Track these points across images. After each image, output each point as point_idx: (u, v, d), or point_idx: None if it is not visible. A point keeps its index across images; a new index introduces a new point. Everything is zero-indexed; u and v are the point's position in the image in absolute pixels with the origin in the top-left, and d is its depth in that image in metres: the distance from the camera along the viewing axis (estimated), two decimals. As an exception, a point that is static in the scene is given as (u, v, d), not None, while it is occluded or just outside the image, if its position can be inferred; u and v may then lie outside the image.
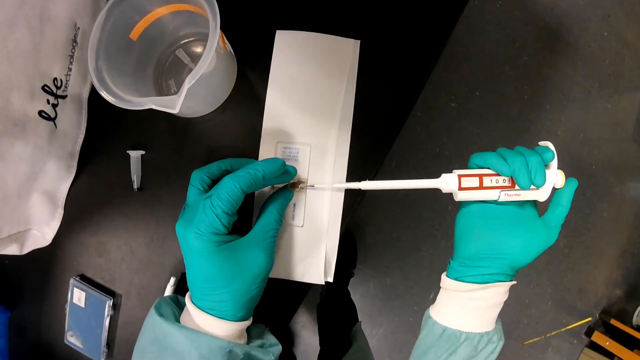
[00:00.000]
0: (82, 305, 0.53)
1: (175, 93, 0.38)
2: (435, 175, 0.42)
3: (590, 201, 1.62)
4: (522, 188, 0.39)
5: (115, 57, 0.43)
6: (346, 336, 1.01)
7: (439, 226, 1.53)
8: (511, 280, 0.42)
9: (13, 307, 0.56)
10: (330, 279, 0.49)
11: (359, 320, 1.16)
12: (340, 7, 0.52)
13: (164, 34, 0.49)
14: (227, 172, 0.42)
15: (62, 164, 0.51)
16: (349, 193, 0.50)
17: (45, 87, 0.45)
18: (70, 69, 0.48)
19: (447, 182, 0.41)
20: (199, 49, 0.52)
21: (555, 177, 0.40)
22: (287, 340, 1.44)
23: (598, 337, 1.57)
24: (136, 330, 0.41)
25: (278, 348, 0.43)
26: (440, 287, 0.46)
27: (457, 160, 1.51)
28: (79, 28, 0.48)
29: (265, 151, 0.50)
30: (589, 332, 1.63)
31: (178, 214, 0.40)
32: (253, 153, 0.50)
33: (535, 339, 1.61)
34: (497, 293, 0.42)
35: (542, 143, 0.42)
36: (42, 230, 0.52)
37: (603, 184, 1.63)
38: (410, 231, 1.52)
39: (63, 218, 0.53)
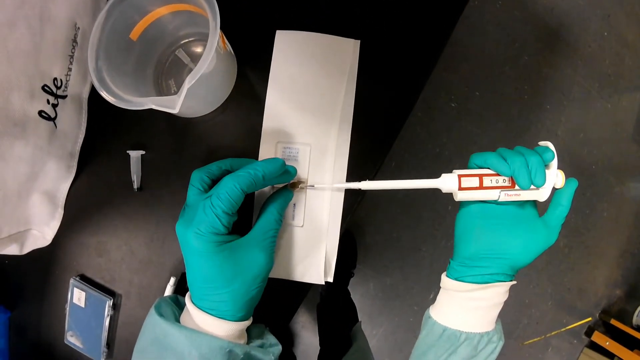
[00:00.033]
0: (82, 305, 0.53)
1: (175, 93, 0.38)
2: (435, 175, 0.42)
3: (590, 201, 1.62)
4: (522, 188, 0.39)
5: (115, 57, 0.43)
6: (346, 336, 1.01)
7: (439, 226, 1.53)
8: (511, 281, 0.42)
9: (13, 307, 0.56)
10: (330, 279, 0.49)
11: (359, 320, 1.16)
12: (340, 7, 0.52)
13: (164, 34, 0.49)
14: (227, 172, 0.42)
15: (62, 164, 0.51)
16: (349, 193, 0.50)
17: (45, 87, 0.45)
18: (70, 69, 0.48)
19: (447, 182, 0.41)
20: (199, 49, 0.52)
21: (555, 177, 0.40)
22: (287, 340, 1.44)
23: (598, 337, 1.57)
24: (136, 330, 0.41)
25: (278, 348, 0.43)
26: (440, 287, 0.46)
27: (457, 160, 1.51)
28: (79, 28, 0.48)
29: (265, 151, 0.50)
30: (589, 332, 1.63)
31: (178, 214, 0.40)
32: (253, 153, 0.50)
33: (535, 339, 1.61)
34: (497, 293, 0.42)
35: (542, 143, 0.42)
36: (42, 230, 0.52)
37: (603, 184, 1.63)
38: (410, 231, 1.52)
39: (63, 218, 0.53)
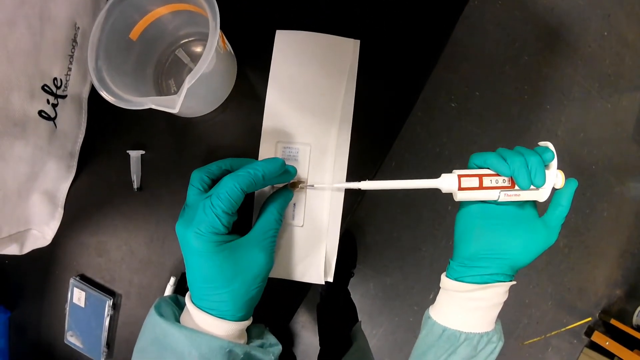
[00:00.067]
0: (82, 305, 0.53)
1: (175, 93, 0.38)
2: (435, 175, 0.42)
3: (590, 201, 1.62)
4: (522, 188, 0.39)
5: (115, 56, 0.43)
6: (346, 336, 1.01)
7: (439, 226, 1.53)
8: (511, 281, 0.42)
9: (13, 307, 0.56)
10: (330, 279, 0.49)
11: (359, 320, 1.16)
12: (340, 7, 0.52)
13: (164, 34, 0.49)
14: (227, 172, 0.42)
15: (62, 164, 0.51)
16: (349, 193, 0.50)
17: (45, 87, 0.45)
18: (70, 69, 0.48)
19: (447, 182, 0.41)
20: (198, 49, 0.52)
21: (555, 177, 0.40)
22: (287, 340, 1.44)
23: (598, 337, 1.57)
24: (136, 330, 0.41)
25: (278, 348, 0.43)
26: (439, 287, 0.46)
27: (457, 160, 1.51)
28: (78, 28, 0.48)
29: (265, 151, 0.50)
30: (589, 332, 1.63)
31: (178, 213, 0.40)
32: (253, 153, 0.50)
33: (535, 339, 1.61)
34: (497, 293, 0.42)
35: (542, 143, 0.42)
36: (42, 230, 0.52)
37: (603, 184, 1.63)
38: (410, 231, 1.52)
39: (63, 218, 0.53)
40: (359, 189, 0.45)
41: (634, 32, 1.61)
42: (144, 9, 0.44)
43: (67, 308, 0.54)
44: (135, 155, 0.52)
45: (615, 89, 1.61)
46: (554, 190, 0.42)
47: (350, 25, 0.51)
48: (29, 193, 0.48)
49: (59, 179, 0.52)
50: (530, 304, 1.60)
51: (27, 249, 0.51)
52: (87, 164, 0.54)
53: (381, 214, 1.52)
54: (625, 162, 1.64)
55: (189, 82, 0.37)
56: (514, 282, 0.42)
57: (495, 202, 0.42)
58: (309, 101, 0.50)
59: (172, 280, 0.51)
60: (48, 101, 0.46)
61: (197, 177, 0.41)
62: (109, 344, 0.54)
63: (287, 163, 0.44)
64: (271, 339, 0.44)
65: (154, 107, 0.38)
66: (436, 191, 0.43)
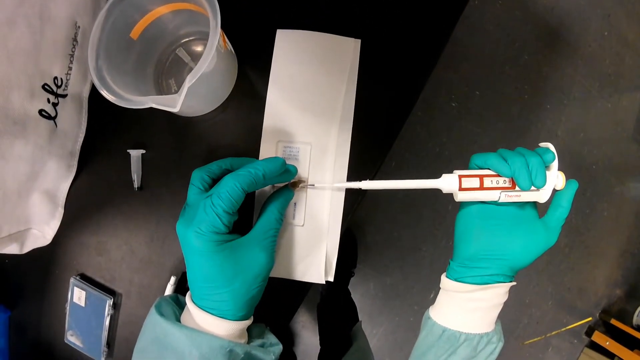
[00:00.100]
0: (82, 304, 0.53)
1: (176, 92, 0.38)
2: (436, 175, 0.42)
3: (591, 201, 1.62)
4: (523, 189, 0.39)
5: (116, 56, 0.43)
6: (346, 336, 1.01)
7: (439, 226, 1.53)
8: (511, 281, 0.42)
9: (13, 307, 0.56)
10: (331, 279, 0.49)
11: (359, 319, 1.16)
12: (340, 7, 0.52)
13: (165, 33, 0.49)
14: (228, 171, 0.42)
15: (63, 163, 0.51)
16: (349, 192, 0.49)
17: (46, 86, 0.45)
18: (70, 68, 0.48)
19: (447, 183, 0.41)
20: (199, 48, 0.52)
21: (555, 178, 0.40)
22: (288, 339, 1.44)
23: (598, 337, 1.57)
24: (136, 329, 0.41)
25: (279, 347, 0.43)
26: (440, 288, 0.46)
27: (457, 160, 1.51)
28: (79, 27, 0.48)
29: (266, 150, 0.50)
30: (589, 332, 1.63)
31: (178, 213, 0.40)
32: (254, 152, 0.50)
33: (535, 339, 1.61)
34: (497, 294, 0.42)
35: (542, 144, 0.42)
36: (42, 230, 0.52)
37: (603, 184, 1.63)
38: (410, 231, 1.52)
39: (63, 217, 0.53)
40: (360, 189, 0.45)
41: (634, 31, 1.61)
42: (145, 8, 0.44)
43: (68, 307, 0.54)
44: (135, 154, 0.52)
45: (616, 89, 1.61)
46: (554, 191, 0.42)
47: (350, 25, 0.51)
48: (29, 192, 0.48)
49: (59, 178, 0.52)
50: (531, 303, 1.60)
51: (27, 249, 0.51)
52: (87, 163, 0.54)
53: (381, 214, 1.52)
54: (626, 162, 1.64)
55: (189, 81, 0.37)
56: (514, 283, 0.42)
57: (495, 203, 0.42)
58: (310, 100, 0.50)
59: (173, 279, 0.51)
60: (48, 100, 0.46)
61: (198, 177, 0.41)
62: (109, 344, 0.54)
63: (287, 162, 0.44)
64: (272, 338, 0.44)
65: (154, 106, 0.38)
66: (436, 191, 0.43)
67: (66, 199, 0.53)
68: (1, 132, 0.40)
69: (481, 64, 1.53)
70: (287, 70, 0.51)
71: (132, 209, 0.53)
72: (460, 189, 0.41)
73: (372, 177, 0.49)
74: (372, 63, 0.51)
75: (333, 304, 1.31)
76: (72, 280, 0.53)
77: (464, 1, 0.51)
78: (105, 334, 0.53)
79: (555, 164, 0.40)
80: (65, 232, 0.54)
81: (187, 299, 0.39)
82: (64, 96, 0.48)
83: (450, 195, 0.42)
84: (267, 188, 0.49)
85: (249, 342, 0.41)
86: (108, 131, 0.54)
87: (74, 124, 0.51)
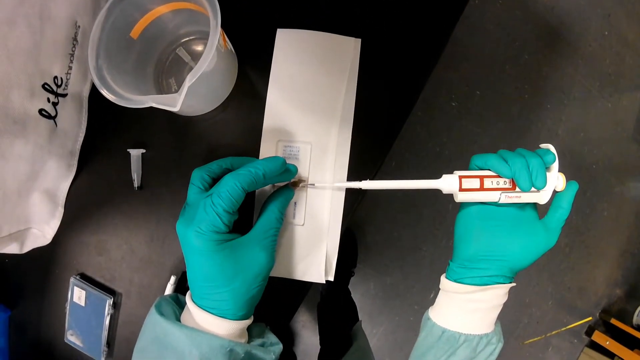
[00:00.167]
0: (82, 304, 0.53)
1: (176, 91, 0.38)
2: (436, 175, 0.42)
3: (591, 201, 1.62)
4: (523, 190, 0.39)
5: (116, 55, 0.43)
6: (346, 335, 1.01)
7: (439, 225, 1.53)
8: (510, 282, 0.42)
9: (13, 306, 0.56)
10: (331, 278, 0.49)
11: (359, 319, 1.16)
12: (340, 7, 0.52)
13: (165, 33, 0.49)
14: (228, 170, 0.42)
15: (63, 163, 0.51)
16: (349, 192, 0.49)
17: (46, 86, 0.45)
18: (70, 67, 0.48)
19: (447, 183, 0.41)
20: (199, 48, 0.52)
21: (556, 179, 0.40)
22: (288, 339, 1.44)
23: (598, 337, 1.57)
24: (136, 329, 0.41)
25: (279, 347, 0.43)
26: (439, 288, 0.46)
27: (457, 160, 1.51)
28: (79, 26, 0.48)
29: (266, 150, 0.50)
30: (589, 332, 1.63)
31: (178, 212, 0.40)
32: (254, 151, 0.50)
33: (535, 339, 1.61)
34: (497, 295, 0.42)
35: (543, 145, 0.42)
36: (42, 229, 0.52)
37: (603, 184, 1.63)
38: (410, 230, 1.52)
39: (63, 217, 0.53)
40: (360, 189, 0.45)
41: (635, 31, 1.61)
42: (145, 7, 0.44)
43: (68, 307, 0.54)
44: (135, 154, 0.52)
45: (616, 89, 1.61)
46: (554, 192, 0.42)
47: (350, 25, 0.51)
48: (29, 192, 0.48)
49: (59, 177, 0.52)
50: (531, 303, 1.60)
51: (27, 248, 0.50)
52: (87, 162, 0.54)
53: (382, 214, 1.52)
54: (626, 162, 1.64)
55: (189, 80, 0.37)
56: (514, 284, 0.42)
57: (495, 204, 0.42)
58: (310, 100, 0.50)
59: (173, 279, 0.51)
60: (48, 100, 0.46)
61: (198, 176, 0.41)
62: (109, 343, 0.54)
63: (288, 162, 0.44)
64: (272, 338, 0.44)
65: (154, 105, 0.38)
66: (437, 191, 0.43)
67: (66, 198, 0.53)
68: (1, 132, 0.40)
69: (481, 63, 1.53)
70: (287, 69, 0.51)
71: (132, 209, 0.53)
72: (461, 189, 0.41)
73: (373, 177, 0.49)
74: (372, 63, 0.51)
75: (333, 304, 1.31)
76: (72, 279, 0.53)
77: (464, 1, 0.51)
78: (105, 333, 0.53)
79: (555, 165, 0.40)
80: (65, 232, 0.53)
81: (187, 298, 0.39)
82: (64, 95, 0.48)
83: (450, 195, 0.42)
84: (268, 187, 0.49)
85: (249, 341, 0.41)
86: (108, 130, 0.54)
87: (74, 123, 0.51)
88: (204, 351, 0.35)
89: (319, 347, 1.20)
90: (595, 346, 1.61)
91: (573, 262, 1.62)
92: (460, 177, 0.41)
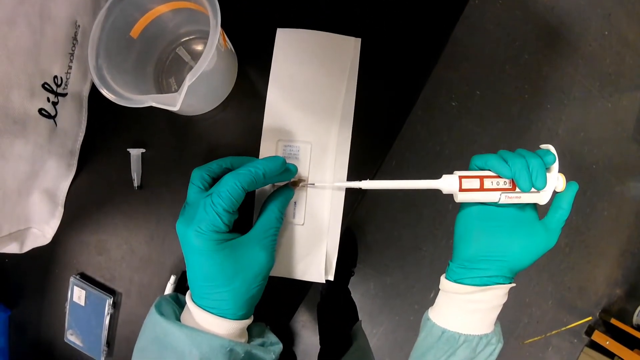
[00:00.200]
0: (82, 303, 0.53)
1: (176, 91, 0.38)
2: (436, 174, 0.42)
3: (591, 200, 1.62)
4: (523, 190, 0.39)
5: (116, 55, 0.43)
6: (346, 335, 1.01)
7: (439, 225, 1.53)
8: (510, 283, 0.42)
9: (13, 306, 0.56)
10: (331, 278, 0.49)
11: (359, 319, 1.16)
12: (340, 7, 0.52)
13: (165, 32, 0.49)
14: (228, 170, 0.42)
15: (62, 162, 0.51)
16: (349, 192, 0.49)
17: (46, 85, 0.45)
18: (70, 67, 0.48)
19: (447, 183, 0.41)
20: (199, 47, 0.52)
21: (556, 180, 0.40)
22: (288, 339, 1.44)
23: (598, 337, 1.57)
24: (136, 328, 0.41)
25: (279, 347, 0.43)
26: (439, 289, 0.46)
27: (457, 159, 1.51)
28: (79, 26, 0.48)
29: (266, 149, 0.50)
30: (589, 332, 1.63)
31: (178, 212, 0.40)
32: (254, 151, 0.50)
33: (535, 338, 1.61)
34: (496, 295, 0.42)
35: (543, 146, 0.42)
36: (42, 229, 0.52)
37: (603, 184, 1.63)
38: (410, 230, 1.52)
39: (63, 216, 0.53)
40: (360, 188, 0.45)
41: (635, 31, 1.61)
42: (145, 7, 0.44)
43: (67, 306, 0.54)
44: (135, 153, 0.52)
45: (616, 88, 1.61)
46: (554, 193, 0.42)
47: (350, 25, 0.51)
48: (29, 191, 0.48)
49: (59, 177, 0.51)
50: (531, 303, 1.60)
51: (27, 248, 0.50)
52: (87, 162, 0.54)
53: (382, 213, 1.52)
54: (626, 162, 1.64)
55: (189, 80, 0.37)
56: (514, 285, 0.42)
57: (495, 204, 0.42)
58: (310, 99, 0.50)
59: (173, 278, 0.51)
60: (48, 99, 0.46)
61: (198, 176, 0.41)
62: (109, 343, 0.54)
63: (287, 161, 0.44)
64: (272, 337, 0.43)
65: (154, 105, 0.38)
66: (437, 191, 0.43)
67: (66, 198, 0.53)
68: (1, 131, 0.40)
69: (481, 63, 1.53)
70: (287, 69, 0.51)
71: (132, 208, 0.53)
72: (461, 189, 0.41)
73: (373, 176, 0.49)
74: (372, 62, 0.51)
75: (333, 303, 1.31)
76: (72, 279, 0.53)
77: (464, 1, 0.51)
78: (105, 333, 0.53)
79: (555, 166, 0.40)
80: (65, 231, 0.53)
81: (187, 298, 0.39)
82: (64, 95, 0.48)
83: (450, 195, 0.42)
84: (268, 187, 0.49)
85: (249, 341, 0.41)
86: (108, 130, 0.54)
87: (73, 122, 0.51)
88: (204, 351, 0.35)
89: (319, 346, 1.20)
90: (595, 346, 1.61)
91: (573, 262, 1.62)
92: (460, 178, 0.41)
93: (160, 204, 0.52)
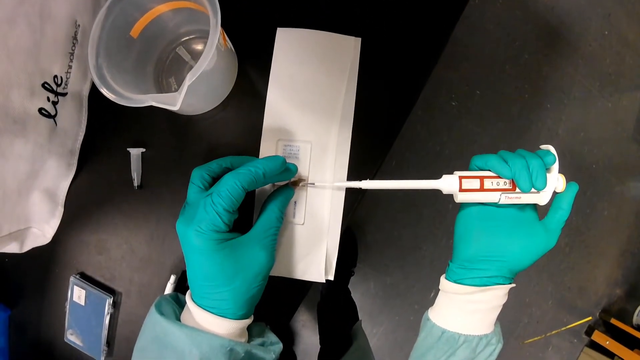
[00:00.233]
0: (82, 303, 0.53)
1: (176, 90, 0.38)
2: (436, 174, 0.42)
3: (591, 200, 1.62)
4: (523, 191, 0.39)
5: (116, 54, 0.43)
6: (346, 335, 1.01)
7: (439, 225, 1.53)
8: (510, 283, 0.42)
9: (13, 305, 0.56)
10: (331, 277, 0.49)
11: (360, 319, 1.16)
12: (340, 7, 0.51)
13: (165, 32, 0.49)
14: (228, 169, 0.42)
15: (62, 162, 0.51)
16: (349, 191, 0.49)
17: (46, 85, 0.45)
18: (70, 67, 0.48)
19: (447, 184, 0.41)
20: (199, 47, 0.52)
21: (556, 180, 0.40)
22: (288, 338, 1.44)
23: (598, 337, 1.57)
24: (136, 328, 0.41)
25: (279, 346, 0.43)
26: (439, 289, 0.46)
27: (457, 159, 1.51)
28: (79, 25, 0.48)
29: (266, 149, 0.50)
30: (589, 332, 1.63)
31: (178, 212, 0.40)
32: (254, 151, 0.50)
33: (535, 338, 1.61)
34: (496, 296, 0.42)
35: (543, 147, 0.42)
36: (42, 228, 0.52)
37: (603, 183, 1.63)
38: (410, 230, 1.52)
39: (63, 216, 0.53)
40: (360, 188, 0.45)
41: (635, 31, 1.61)
42: (145, 6, 0.44)
43: (67, 306, 0.54)
44: (135, 153, 0.52)
45: (616, 88, 1.61)
46: (554, 193, 0.42)
47: (350, 25, 0.51)
48: (29, 191, 0.48)
49: (59, 176, 0.51)
50: (531, 303, 1.60)
51: (27, 247, 0.50)
52: (87, 161, 0.54)
53: (382, 213, 1.52)
54: (626, 162, 1.64)
55: (189, 79, 0.37)
56: (514, 285, 0.42)
57: (495, 205, 0.42)
58: (310, 99, 0.50)
59: (173, 278, 0.51)
60: (48, 99, 0.46)
61: (198, 175, 0.41)
62: (109, 343, 0.54)
63: (288, 161, 0.44)
64: (272, 337, 0.43)
65: (154, 104, 0.38)
66: (437, 190, 0.43)
67: (66, 197, 0.53)
68: (1, 131, 0.40)
69: (481, 63, 1.53)
70: (287, 68, 0.51)
71: (132, 208, 0.53)
72: (461, 190, 0.41)
73: (373, 176, 0.49)
74: (372, 62, 0.51)
75: (333, 303, 1.31)
76: (72, 279, 0.53)
77: (464, 1, 0.51)
78: (105, 332, 0.53)
79: (555, 167, 0.40)
80: (65, 231, 0.53)
81: (187, 297, 0.39)
82: (64, 94, 0.48)
83: (450, 195, 0.42)
84: (268, 187, 0.49)
85: (249, 341, 0.41)
86: (108, 129, 0.54)
87: (73, 122, 0.51)
88: (204, 350, 0.35)
89: (319, 346, 1.19)
90: (595, 346, 1.61)
91: (573, 262, 1.62)
92: (461, 178, 0.41)
93: (160, 204, 0.52)
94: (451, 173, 0.42)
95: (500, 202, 0.41)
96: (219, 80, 0.49)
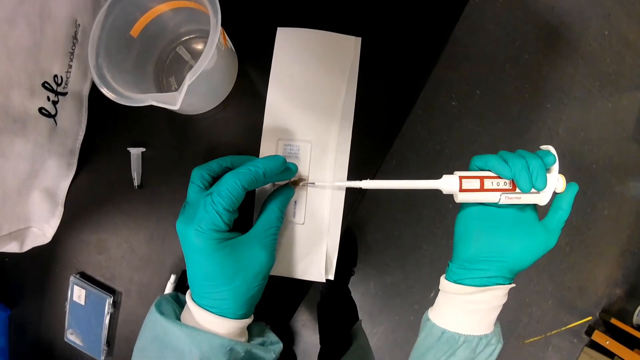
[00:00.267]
0: (82, 303, 0.53)
1: (176, 90, 0.38)
2: (436, 174, 0.42)
3: (591, 200, 1.62)
4: (523, 191, 0.39)
5: (116, 54, 0.43)
6: (347, 334, 1.01)
7: (439, 224, 1.53)
8: (510, 283, 0.42)
9: (13, 305, 0.56)
10: (331, 277, 0.49)
11: (360, 318, 1.16)
12: (340, 7, 0.51)
13: (165, 31, 0.49)
14: (228, 169, 0.42)
15: (63, 162, 0.51)
16: (349, 191, 0.49)
17: (46, 84, 0.45)
18: (70, 66, 0.48)
19: (448, 184, 0.41)
20: (199, 46, 0.52)
21: (556, 181, 0.40)
22: (288, 338, 1.44)
23: (598, 336, 1.57)
24: (136, 328, 0.41)
25: (279, 346, 0.43)
26: (439, 289, 0.46)
27: (457, 159, 1.51)
28: (79, 25, 0.48)
29: (266, 148, 0.50)
30: (589, 331, 1.63)
31: (178, 211, 0.40)
32: (254, 150, 0.50)
33: (535, 338, 1.61)
34: (496, 296, 0.42)
35: (543, 147, 0.42)
36: (42, 228, 0.52)
37: (603, 183, 1.63)
38: (411, 229, 1.52)
39: (63, 215, 0.53)
40: (360, 188, 0.45)
41: (635, 31, 1.61)
42: (145, 6, 0.44)
43: (67, 306, 0.54)
44: (135, 152, 0.52)
45: (616, 88, 1.61)
46: (554, 194, 0.42)
47: (350, 25, 0.51)
48: (29, 191, 0.48)
49: (59, 176, 0.51)
50: (531, 303, 1.60)
51: (27, 247, 0.50)
52: (87, 161, 0.54)
53: (382, 213, 1.52)
54: (626, 162, 1.64)
55: (189, 79, 0.37)
56: (513, 285, 0.42)
57: (495, 205, 0.42)
58: (310, 98, 0.50)
59: (173, 278, 0.51)
60: (48, 98, 0.46)
61: (198, 175, 0.41)
62: (109, 342, 0.54)
63: (288, 160, 0.44)
64: (272, 337, 0.43)
65: (154, 104, 0.38)
66: (437, 190, 0.43)
67: (66, 197, 0.53)
68: (1, 130, 0.40)
69: (481, 63, 1.53)
70: (287, 68, 0.51)
71: (132, 207, 0.53)
72: (461, 190, 0.41)
73: (373, 176, 0.49)
74: (372, 62, 0.51)
75: (333, 303, 1.31)
76: (72, 278, 0.53)
77: (464, 1, 0.51)
78: (105, 332, 0.53)
79: (556, 167, 0.40)
80: (65, 231, 0.53)
81: (187, 297, 0.39)
82: (64, 94, 0.48)
83: (450, 195, 0.42)
84: (268, 186, 0.49)
85: (249, 340, 0.41)
86: (108, 129, 0.54)
87: (74, 122, 0.51)
88: (204, 350, 0.35)
89: (319, 346, 1.20)
90: (595, 346, 1.61)
91: (573, 262, 1.62)
92: (461, 178, 0.41)
93: (161, 203, 0.52)
94: (451, 173, 0.42)
95: (500, 202, 0.41)
96: (219, 79, 0.49)
